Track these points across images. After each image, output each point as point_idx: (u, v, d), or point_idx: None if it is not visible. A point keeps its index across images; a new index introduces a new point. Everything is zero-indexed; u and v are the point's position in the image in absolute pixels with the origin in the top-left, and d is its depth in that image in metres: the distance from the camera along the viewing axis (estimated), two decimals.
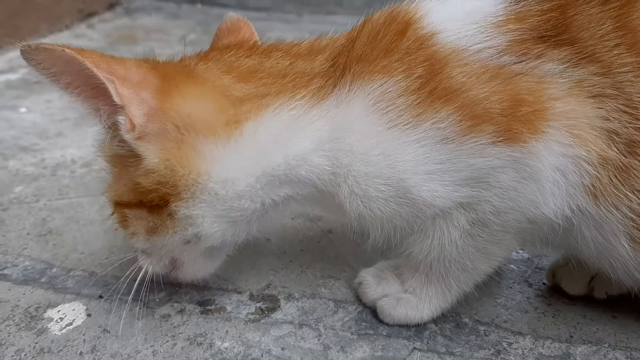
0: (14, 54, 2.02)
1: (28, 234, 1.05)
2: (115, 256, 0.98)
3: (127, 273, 0.81)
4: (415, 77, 0.68)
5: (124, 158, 0.72)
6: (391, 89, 0.68)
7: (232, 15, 0.92)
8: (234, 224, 0.75)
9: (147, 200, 0.72)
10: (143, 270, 0.80)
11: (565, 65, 0.67)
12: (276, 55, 0.77)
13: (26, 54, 0.66)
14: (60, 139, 1.41)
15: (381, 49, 0.70)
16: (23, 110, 1.57)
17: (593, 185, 0.67)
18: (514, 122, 0.65)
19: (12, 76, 1.82)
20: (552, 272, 0.91)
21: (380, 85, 0.69)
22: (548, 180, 0.67)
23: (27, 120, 1.50)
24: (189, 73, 0.74)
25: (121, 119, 0.67)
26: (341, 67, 0.72)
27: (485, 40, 0.68)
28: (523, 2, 0.70)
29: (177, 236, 0.74)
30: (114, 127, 0.69)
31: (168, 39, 2.28)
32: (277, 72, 0.74)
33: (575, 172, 0.67)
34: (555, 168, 0.67)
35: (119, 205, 0.76)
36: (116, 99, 0.66)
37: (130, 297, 0.88)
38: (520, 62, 0.67)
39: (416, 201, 0.70)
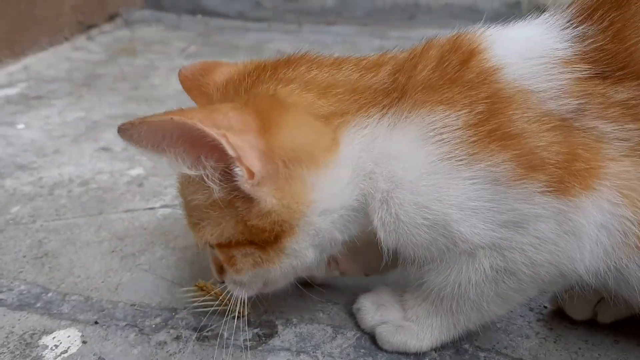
0: (14, 68, 2.02)
1: (24, 256, 1.04)
2: (111, 279, 0.98)
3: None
4: (476, 113, 0.65)
5: (230, 202, 0.69)
6: (451, 123, 0.66)
7: (184, 67, 0.88)
8: (323, 252, 0.76)
9: (259, 239, 0.70)
10: (239, 297, 0.81)
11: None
12: (346, 68, 0.74)
13: (126, 131, 0.62)
14: (57, 156, 1.40)
15: (445, 79, 0.68)
16: (21, 126, 1.56)
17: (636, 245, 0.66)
18: (567, 175, 0.64)
19: (11, 91, 1.82)
20: (556, 297, 0.89)
21: (442, 118, 0.66)
22: (590, 238, 0.66)
23: (25, 137, 1.50)
24: (278, 103, 0.70)
25: (238, 170, 0.64)
26: (401, 88, 0.70)
27: (550, 80, 0.66)
28: (589, 41, 0.67)
29: (282, 267, 0.74)
30: (220, 177, 0.67)
31: (168, 50, 2.28)
32: (350, 86, 0.72)
33: (619, 231, 0.65)
34: (600, 226, 0.65)
35: (224, 246, 0.74)
36: (231, 152, 0.63)
37: (126, 323, 0.87)
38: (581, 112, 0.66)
39: (454, 235, 0.68)
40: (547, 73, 0.66)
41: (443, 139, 0.66)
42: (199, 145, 0.64)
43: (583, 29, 0.67)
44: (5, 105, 1.71)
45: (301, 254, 0.73)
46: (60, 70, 2.02)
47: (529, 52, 0.67)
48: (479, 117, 0.65)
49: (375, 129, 0.70)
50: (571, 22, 0.68)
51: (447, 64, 0.68)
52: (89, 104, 1.73)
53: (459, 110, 0.65)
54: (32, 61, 2.09)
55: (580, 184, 0.64)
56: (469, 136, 0.65)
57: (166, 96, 1.79)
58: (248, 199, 0.68)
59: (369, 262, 0.91)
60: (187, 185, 0.73)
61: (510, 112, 0.65)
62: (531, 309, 0.91)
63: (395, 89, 0.71)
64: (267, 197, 0.67)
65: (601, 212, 0.65)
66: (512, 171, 0.64)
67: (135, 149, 0.64)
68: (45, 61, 2.10)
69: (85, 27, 2.47)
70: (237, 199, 0.68)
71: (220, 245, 0.74)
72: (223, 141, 0.62)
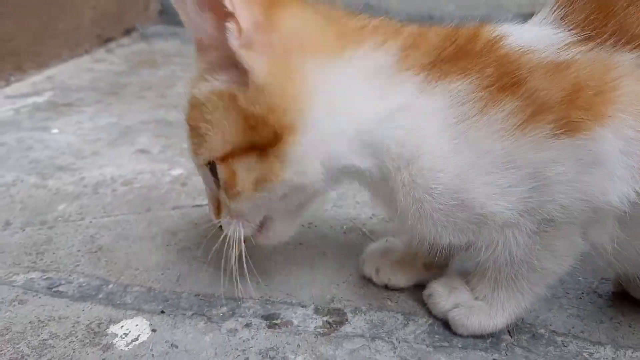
0: (37, 78, 2.02)
1: (78, 251, 1.03)
2: (170, 271, 0.97)
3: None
4: (486, 75, 0.69)
5: (228, 95, 0.70)
6: (466, 87, 0.69)
7: None
8: (327, 173, 0.74)
9: (259, 137, 0.69)
10: (229, 236, 0.79)
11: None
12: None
13: None
14: (96, 158, 1.39)
15: (461, 52, 0.72)
16: (55, 131, 1.56)
17: None
18: (574, 110, 0.65)
19: (39, 99, 1.82)
20: (618, 280, 0.89)
21: (458, 85, 0.69)
22: (616, 164, 0.66)
23: (61, 141, 1.49)
24: None
25: (229, 25, 0.66)
26: (433, 58, 0.72)
27: (547, 40, 0.71)
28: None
29: (284, 183, 0.72)
30: (219, 54, 0.70)
31: (189, 62, 2.26)
32: (381, 27, 0.75)
33: None
34: (625, 152, 0.66)
35: (226, 158, 0.73)
36: (228, 3, 0.65)
37: (193, 312, 0.86)
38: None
39: (472, 204, 0.70)
40: (544, 36, 0.71)
41: (460, 102, 0.69)
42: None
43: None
44: (36, 112, 1.70)
45: (305, 164, 0.72)
46: (84, 80, 2.02)
47: (527, 29, 0.74)
48: (489, 78, 0.68)
49: (401, 67, 0.72)
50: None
51: (458, 40, 0.72)
52: (119, 111, 1.72)
53: (472, 76, 0.69)
54: (55, 72, 2.09)
55: (590, 116, 0.65)
56: (481, 95, 0.68)
57: None
58: (244, 80, 0.69)
59: (413, 272, 0.92)
60: (194, 83, 0.74)
61: (514, 67, 0.68)
62: (600, 296, 0.91)
63: (429, 55, 0.72)
64: (258, 66, 0.68)
65: (623, 139, 0.65)
66: (519, 116, 0.66)
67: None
68: (67, 72, 2.10)
69: (104, 40, 2.48)
70: (236, 86, 0.70)
71: (223, 159, 0.73)
72: None
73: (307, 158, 0.71)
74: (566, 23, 0.72)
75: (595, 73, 0.66)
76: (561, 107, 0.66)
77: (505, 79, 0.68)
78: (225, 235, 0.80)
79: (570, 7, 0.73)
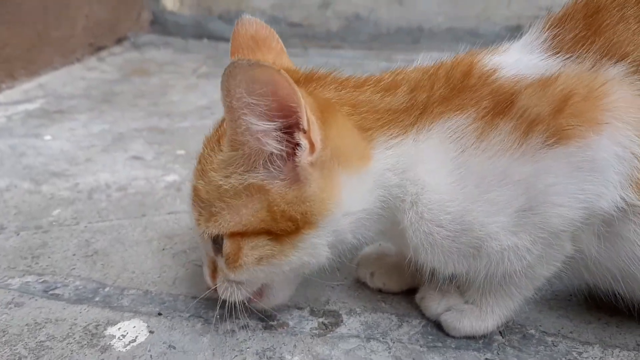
0: (29, 86, 2.02)
1: (74, 254, 1.04)
2: (166, 274, 0.98)
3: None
4: (482, 108, 0.72)
5: (257, 187, 0.71)
6: (464, 122, 0.72)
7: (248, 18, 0.88)
8: (334, 252, 0.77)
9: (277, 227, 0.71)
10: (221, 299, 0.80)
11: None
12: (367, 89, 0.78)
13: (239, 69, 0.62)
14: (90, 164, 1.40)
15: (454, 90, 0.74)
16: (48, 137, 1.56)
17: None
18: (565, 119, 0.67)
19: (30, 106, 1.82)
20: None
21: (456, 120, 0.72)
22: (611, 169, 0.68)
23: (54, 148, 1.50)
24: (331, 103, 0.74)
25: (303, 142, 0.67)
26: (421, 106, 0.74)
27: (535, 67, 0.74)
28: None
29: (290, 262, 0.74)
30: (268, 155, 0.69)
31: (180, 71, 2.30)
32: (373, 106, 0.76)
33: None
34: (618, 157, 0.68)
35: (236, 235, 0.73)
36: (304, 121, 0.66)
37: (190, 314, 0.87)
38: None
39: (475, 228, 0.72)
40: (535, 64, 0.74)
41: (459, 136, 0.71)
42: (275, 109, 0.66)
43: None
44: (28, 119, 1.70)
45: (316, 250, 0.74)
46: (77, 87, 2.03)
47: (518, 58, 0.76)
48: (485, 110, 0.71)
49: (399, 147, 0.74)
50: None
51: (452, 78, 0.75)
52: (112, 118, 1.73)
53: (469, 110, 0.72)
54: (46, 80, 2.10)
55: (582, 122, 0.67)
56: (479, 125, 0.71)
57: (187, 111, 1.80)
58: (289, 182, 0.70)
59: (407, 278, 0.93)
60: (220, 170, 0.73)
61: (508, 95, 0.71)
62: (587, 298, 0.92)
63: (416, 107, 0.75)
64: (313, 182, 0.70)
65: (619, 145, 0.67)
66: (515, 134, 0.69)
67: (225, 93, 0.64)
68: (59, 80, 2.11)
69: (96, 48, 2.49)
70: (274, 183, 0.70)
71: (232, 235, 0.74)
72: (304, 107, 0.65)
73: (319, 244, 0.74)
74: (555, 44, 0.75)
75: (582, 81, 0.68)
76: (551, 118, 0.68)
77: (500, 106, 0.70)
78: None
79: (561, 28, 0.76)
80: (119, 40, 2.68)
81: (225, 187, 0.72)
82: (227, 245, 0.74)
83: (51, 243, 1.07)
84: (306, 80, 0.80)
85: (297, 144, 0.68)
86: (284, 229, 0.71)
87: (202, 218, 0.75)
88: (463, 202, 0.71)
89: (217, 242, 0.77)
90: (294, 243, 0.72)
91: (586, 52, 0.72)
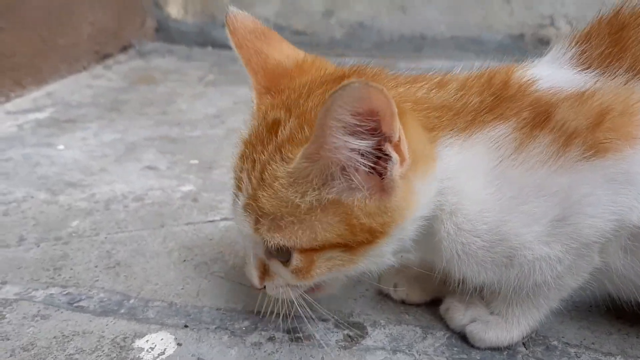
0: (37, 94, 2.03)
1: (96, 266, 1.04)
2: (190, 286, 0.98)
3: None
4: (522, 118, 0.73)
5: (332, 201, 0.68)
6: (505, 131, 0.72)
7: (237, 11, 0.85)
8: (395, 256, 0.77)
9: (354, 239, 0.70)
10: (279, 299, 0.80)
11: None
12: (423, 85, 0.77)
13: (350, 90, 0.58)
14: (104, 174, 1.41)
15: (497, 99, 0.75)
16: (61, 147, 1.57)
17: None
18: (602, 132, 0.69)
19: (40, 115, 1.83)
20: None
21: (498, 130, 0.73)
22: None
23: (67, 157, 1.50)
24: (399, 105, 0.70)
25: (394, 155, 0.65)
26: (473, 111, 0.74)
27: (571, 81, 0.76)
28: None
29: (357, 269, 0.74)
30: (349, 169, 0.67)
31: (186, 79, 2.30)
32: (432, 103, 0.75)
33: None
34: None
35: (309, 251, 0.71)
36: (395, 133, 0.63)
37: (215, 326, 0.88)
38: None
39: (511, 239, 0.73)
40: (570, 78, 0.76)
41: (499, 146, 0.72)
42: (374, 129, 0.63)
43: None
44: (38, 129, 1.71)
45: (384, 256, 0.75)
46: (85, 96, 2.04)
47: (553, 72, 0.78)
48: (525, 121, 0.72)
49: (451, 150, 0.73)
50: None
51: (494, 87, 0.76)
52: (122, 127, 1.74)
53: (510, 120, 0.73)
54: (54, 88, 2.10)
55: (619, 137, 0.69)
56: (517, 136, 0.72)
57: (196, 120, 1.81)
58: (372, 194, 0.68)
59: (429, 288, 0.94)
60: (291, 185, 0.68)
61: (546, 107, 0.72)
62: (608, 309, 0.93)
63: (468, 111, 0.75)
64: (398, 193, 0.68)
65: None
66: (553, 147, 0.70)
67: (325, 111, 0.60)
68: (67, 88, 2.12)
69: (101, 56, 2.49)
70: (355, 196, 0.68)
71: (304, 250, 0.72)
72: (397, 119, 0.62)
73: (387, 252, 0.74)
74: (584, 60, 0.77)
75: (619, 97, 0.71)
76: (589, 132, 0.69)
77: (538, 117, 0.72)
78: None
79: (587, 44, 0.78)
80: (124, 48, 2.68)
81: (297, 202, 0.68)
82: (299, 260, 0.73)
83: (72, 254, 1.08)
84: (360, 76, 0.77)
85: (384, 155, 0.65)
86: (360, 240, 0.70)
87: (263, 227, 0.71)
88: (500, 212, 0.72)
89: (279, 251, 0.74)
90: (366, 252, 0.72)
91: (616, 68, 0.74)
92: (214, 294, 0.96)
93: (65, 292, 0.97)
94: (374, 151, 0.65)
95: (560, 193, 0.71)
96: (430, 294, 0.93)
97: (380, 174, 0.66)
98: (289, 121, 0.72)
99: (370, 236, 0.70)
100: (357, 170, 0.66)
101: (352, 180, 0.67)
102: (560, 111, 0.71)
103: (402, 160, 0.66)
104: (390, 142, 0.64)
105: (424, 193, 0.71)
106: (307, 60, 0.85)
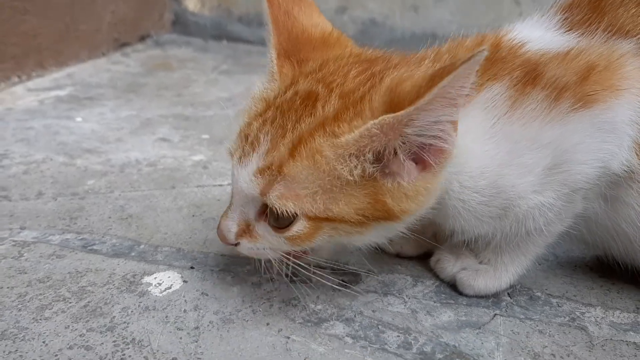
0: (58, 75, 2.10)
1: (110, 217, 1.11)
2: (197, 236, 1.04)
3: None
4: (515, 77, 0.77)
5: (367, 176, 0.70)
6: (499, 91, 0.77)
7: None
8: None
9: (372, 216, 0.72)
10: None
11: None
12: (426, 64, 0.79)
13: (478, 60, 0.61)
14: (121, 144, 1.48)
15: (489, 60, 0.79)
16: (79, 119, 1.64)
17: None
18: (589, 85, 0.75)
19: (61, 92, 1.90)
20: None
21: (493, 90, 0.77)
22: (625, 133, 0.76)
23: (86, 128, 1.57)
24: None
25: (452, 137, 0.69)
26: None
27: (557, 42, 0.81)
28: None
29: (362, 240, 0.79)
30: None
31: (202, 67, 2.38)
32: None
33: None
34: (631, 121, 0.76)
35: (319, 219, 0.72)
36: (456, 114, 0.67)
37: (220, 268, 0.94)
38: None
39: (509, 191, 0.78)
40: (556, 40, 0.81)
41: (495, 105, 0.77)
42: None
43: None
44: (59, 104, 1.78)
45: (392, 231, 0.79)
46: (103, 78, 2.11)
47: (540, 35, 0.83)
48: (517, 79, 0.77)
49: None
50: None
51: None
52: (139, 105, 1.81)
53: (503, 79, 0.77)
54: (74, 70, 2.18)
55: (604, 88, 0.75)
56: (512, 94, 0.76)
57: (210, 102, 1.88)
58: (414, 178, 0.71)
59: (423, 242, 0.99)
60: (342, 159, 0.69)
61: (536, 66, 0.77)
62: (591, 268, 0.99)
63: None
64: (438, 180, 0.73)
65: (634, 109, 0.75)
66: (545, 101, 0.75)
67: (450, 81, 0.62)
68: (86, 71, 2.19)
69: (120, 44, 2.58)
70: (396, 176, 0.70)
71: (313, 218, 0.72)
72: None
73: (399, 227, 0.78)
74: (567, 24, 0.83)
75: (602, 55, 0.77)
76: (577, 85, 0.75)
77: (529, 75, 0.77)
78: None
79: (569, 12, 0.84)
80: (142, 38, 2.76)
81: (345, 175, 0.69)
82: (303, 225, 0.73)
83: (87, 207, 1.14)
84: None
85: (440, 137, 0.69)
86: (376, 217, 0.72)
87: (275, 193, 0.71)
88: (498, 167, 0.77)
89: (279, 217, 0.73)
90: (377, 228, 0.74)
91: (595, 29, 0.80)
92: (220, 244, 1.01)
93: (80, 238, 1.03)
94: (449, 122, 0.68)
95: (552, 144, 0.76)
96: (423, 247, 0.99)
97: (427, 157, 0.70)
98: (330, 99, 0.72)
99: (387, 216, 0.73)
100: (421, 149, 0.69)
101: (404, 160, 0.70)
102: (551, 69, 0.77)
103: (449, 155, 0.71)
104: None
105: (442, 176, 0.74)
106: (333, 35, 0.87)
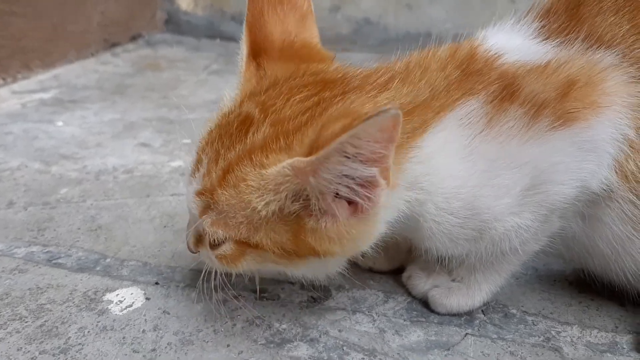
0: (44, 76, 2.08)
1: (78, 229, 1.08)
2: (166, 249, 1.02)
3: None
4: (491, 92, 0.73)
5: (297, 219, 0.67)
6: (475, 106, 0.73)
7: None
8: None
9: (296, 251, 0.69)
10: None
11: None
12: (393, 88, 0.75)
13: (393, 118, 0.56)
14: (100, 149, 1.45)
15: (464, 74, 0.75)
16: (60, 124, 1.62)
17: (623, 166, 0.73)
18: (569, 102, 0.71)
19: (45, 95, 1.88)
20: None
21: (468, 106, 0.73)
22: (606, 151, 0.72)
23: (66, 133, 1.55)
24: None
25: (382, 182, 0.63)
26: (441, 95, 0.73)
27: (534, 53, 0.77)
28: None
29: (294, 272, 0.77)
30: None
31: (192, 67, 2.35)
32: (406, 108, 0.72)
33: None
34: (614, 139, 0.72)
35: (245, 245, 0.71)
36: (390, 159, 0.62)
37: (185, 284, 0.91)
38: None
39: (483, 212, 0.74)
40: (533, 50, 0.77)
41: (471, 122, 0.73)
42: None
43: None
44: (41, 107, 1.76)
45: (332, 267, 0.77)
46: (90, 80, 2.09)
47: (517, 45, 0.78)
48: (493, 94, 0.73)
49: (428, 135, 0.72)
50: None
51: (460, 63, 0.76)
52: (123, 108, 1.78)
53: (479, 94, 0.73)
54: (61, 71, 2.15)
55: (585, 106, 0.71)
56: (488, 110, 0.72)
57: (196, 105, 1.85)
58: (342, 219, 0.66)
59: (396, 257, 0.96)
60: (259, 191, 0.66)
61: (513, 80, 0.73)
62: (570, 283, 0.95)
63: (436, 96, 0.74)
64: (368, 225, 0.68)
65: (614, 127, 0.72)
66: (523, 118, 0.71)
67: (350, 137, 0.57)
68: (74, 72, 2.17)
69: (110, 44, 2.55)
70: (319, 218, 0.66)
71: (240, 243, 0.71)
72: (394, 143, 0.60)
73: (338, 263, 0.76)
74: (546, 32, 0.79)
75: (583, 69, 0.73)
76: (557, 102, 0.71)
77: (506, 90, 0.73)
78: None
79: (547, 19, 0.80)
80: (133, 38, 2.74)
81: (258, 208, 0.66)
82: (229, 247, 0.72)
83: (57, 218, 1.12)
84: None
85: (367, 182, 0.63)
86: (303, 254, 0.69)
87: (209, 219, 0.70)
88: (473, 188, 0.73)
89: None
90: (311, 261, 0.71)
91: (574, 39, 0.76)
92: (189, 257, 0.99)
93: (45, 251, 1.01)
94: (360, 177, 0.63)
95: (530, 163, 0.72)
96: (397, 261, 0.95)
97: (354, 201, 0.65)
98: (262, 125, 0.69)
99: (315, 253, 0.69)
100: (336, 195, 0.64)
101: (327, 204, 0.65)
102: (529, 83, 0.73)
103: (389, 186, 0.64)
104: (381, 169, 0.62)
105: (390, 201, 0.69)
106: (298, 48, 0.82)
